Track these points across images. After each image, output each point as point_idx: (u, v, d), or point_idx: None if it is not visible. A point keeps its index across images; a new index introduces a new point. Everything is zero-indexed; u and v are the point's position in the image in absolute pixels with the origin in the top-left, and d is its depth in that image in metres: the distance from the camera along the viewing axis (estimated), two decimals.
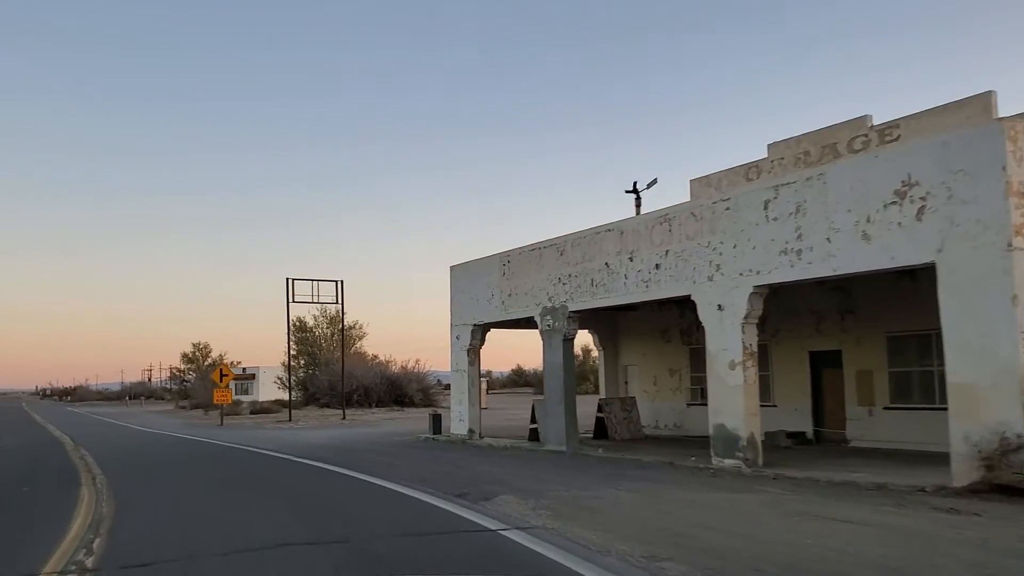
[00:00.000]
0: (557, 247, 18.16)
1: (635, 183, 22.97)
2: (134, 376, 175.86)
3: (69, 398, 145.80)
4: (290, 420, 38.97)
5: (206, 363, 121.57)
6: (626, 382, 23.69)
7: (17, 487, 13.34)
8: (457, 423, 21.75)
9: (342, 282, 41.23)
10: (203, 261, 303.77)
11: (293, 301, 39.78)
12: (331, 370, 56.21)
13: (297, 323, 63.68)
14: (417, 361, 56.43)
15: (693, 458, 15.28)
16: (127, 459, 18.44)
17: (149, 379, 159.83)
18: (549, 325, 18.24)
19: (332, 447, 21.09)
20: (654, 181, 22.74)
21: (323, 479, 13.77)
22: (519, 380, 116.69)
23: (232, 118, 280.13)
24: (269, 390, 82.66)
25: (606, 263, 16.67)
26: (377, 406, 52.80)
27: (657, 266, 15.47)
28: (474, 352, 21.51)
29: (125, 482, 13.54)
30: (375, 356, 61.16)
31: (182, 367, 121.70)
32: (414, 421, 36.51)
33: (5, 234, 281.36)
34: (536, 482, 12.52)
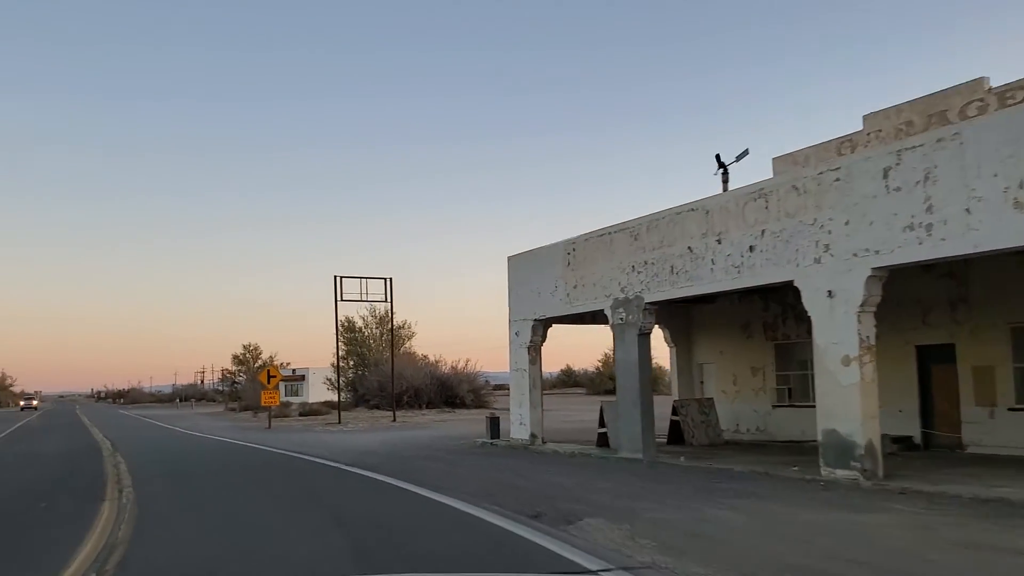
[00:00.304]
0: (630, 231, 16.29)
1: (718, 156, 20.84)
2: (187, 378, 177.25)
3: (122, 400, 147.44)
4: (339, 422, 37.61)
5: (256, 364, 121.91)
6: (701, 382, 21.71)
7: (37, 501, 11.94)
8: (517, 427, 19.98)
9: (391, 279, 39.83)
10: (256, 261, 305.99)
11: (342, 299, 38.49)
12: (380, 371, 54.91)
13: (346, 323, 62.70)
14: (467, 361, 54.92)
15: (796, 468, 13.32)
16: (162, 467, 17.02)
17: (201, 381, 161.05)
18: (622, 319, 16.37)
19: (384, 453, 19.50)
20: (745, 152, 20.54)
21: (377, 494, 12.09)
22: (568, 380, 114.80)
23: (282, 118, 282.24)
24: (319, 391, 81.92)
25: (689, 247, 14.77)
26: (427, 407, 51.35)
27: (751, 248, 13.53)
28: (535, 350, 19.72)
29: (154, 496, 12.04)
30: (424, 356, 59.80)
31: (232, 369, 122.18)
32: (467, 423, 34.91)
33: (64, 240, 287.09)
34: (620, 498, 10.70)
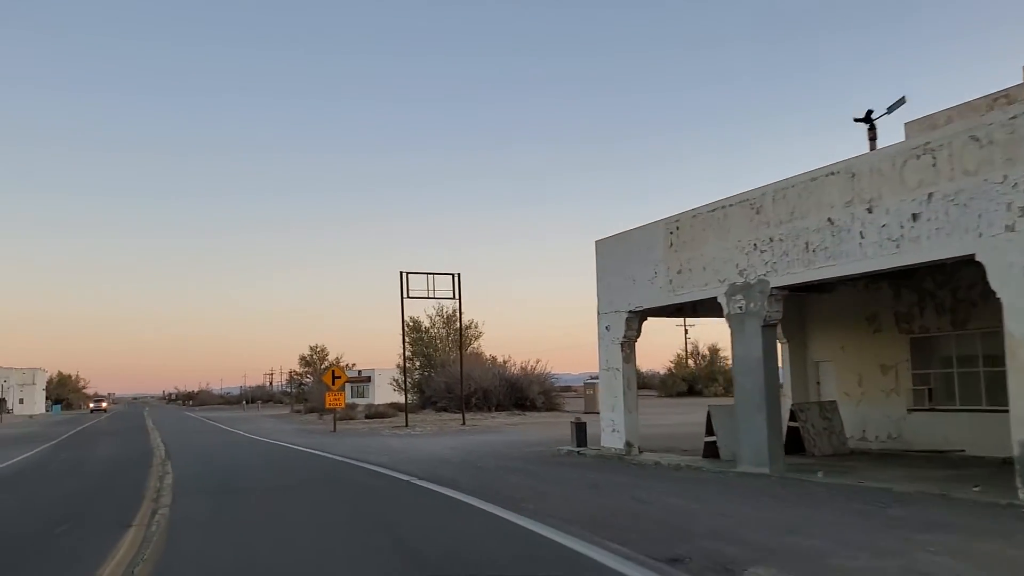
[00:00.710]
0: (751, 203, 13.74)
1: (869, 112, 17.94)
2: (256, 380, 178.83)
3: (191, 402, 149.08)
4: (406, 426, 35.68)
5: (322, 366, 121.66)
6: (818, 383, 18.99)
7: (56, 524, 9.99)
8: (609, 434, 17.54)
9: (459, 275, 37.75)
10: (325, 261, 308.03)
11: (407, 296, 36.57)
12: (447, 372, 52.98)
13: (411, 323, 60.91)
14: (537, 362, 52.56)
15: (976, 488, 10.67)
16: (211, 481, 15.03)
17: (270, 383, 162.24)
18: (740, 307, 13.84)
19: (458, 462, 17.30)
20: (901, 100, 17.51)
21: (459, 519, 9.78)
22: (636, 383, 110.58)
23: (350, 118, 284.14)
24: (385, 393, 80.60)
25: (829, 219, 12.17)
26: (496, 410, 49.20)
27: (914, 217, 10.88)
28: (629, 346, 17.26)
29: (191, 521, 9.97)
30: (492, 357, 57.69)
31: (299, 370, 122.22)
32: (541, 427, 32.62)
33: (140, 245, 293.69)
34: (778, 533, 8.22)
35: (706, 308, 16.61)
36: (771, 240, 13.22)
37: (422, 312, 61.06)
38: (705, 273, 14.73)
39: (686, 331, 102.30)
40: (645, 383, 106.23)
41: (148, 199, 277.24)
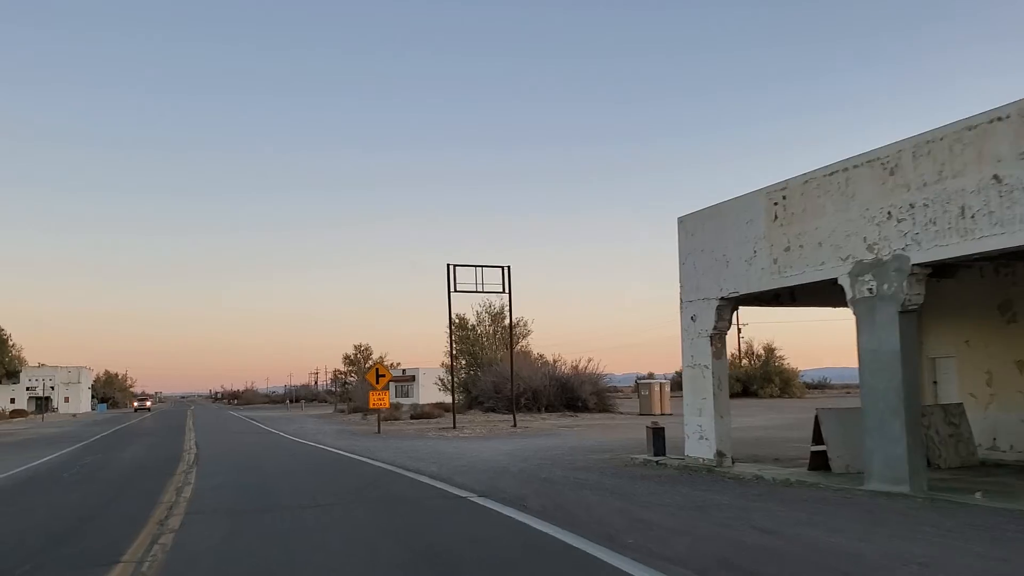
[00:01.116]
0: (882, 163, 11.24)
1: None
2: (301, 379, 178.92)
3: (236, 401, 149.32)
4: (454, 427, 33.55)
5: (366, 365, 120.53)
6: (934, 382, 16.37)
7: (24, 561, 7.88)
8: (695, 442, 15.10)
9: (508, 268, 35.52)
10: (369, 259, 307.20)
11: (455, 290, 34.45)
12: (494, 371, 50.86)
13: (457, 321, 58.87)
14: (589, 361, 50.09)
15: None
16: (237, 494, 12.94)
17: (315, 382, 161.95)
18: (870, 290, 11.34)
19: (519, 472, 15.04)
20: None
21: (540, 561, 7.47)
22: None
23: (398, 116, 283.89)
24: (429, 393, 78.82)
25: (995, 176, 9.67)
26: (546, 411, 46.93)
27: None
28: (720, 339, 14.81)
29: (197, 554, 7.81)
30: (540, 355, 55.40)
31: (343, 369, 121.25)
32: (598, 430, 30.30)
33: (188, 246, 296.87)
34: None
35: (811, 294, 14.16)
36: (911, 206, 10.72)
37: (468, 309, 59.08)
38: (821, 250, 12.25)
39: (739, 329, 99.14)
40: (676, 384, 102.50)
41: (200, 199, 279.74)
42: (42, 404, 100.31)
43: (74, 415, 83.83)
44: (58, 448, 28.25)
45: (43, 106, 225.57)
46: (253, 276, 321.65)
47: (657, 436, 16.51)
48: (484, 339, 58.07)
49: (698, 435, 14.98)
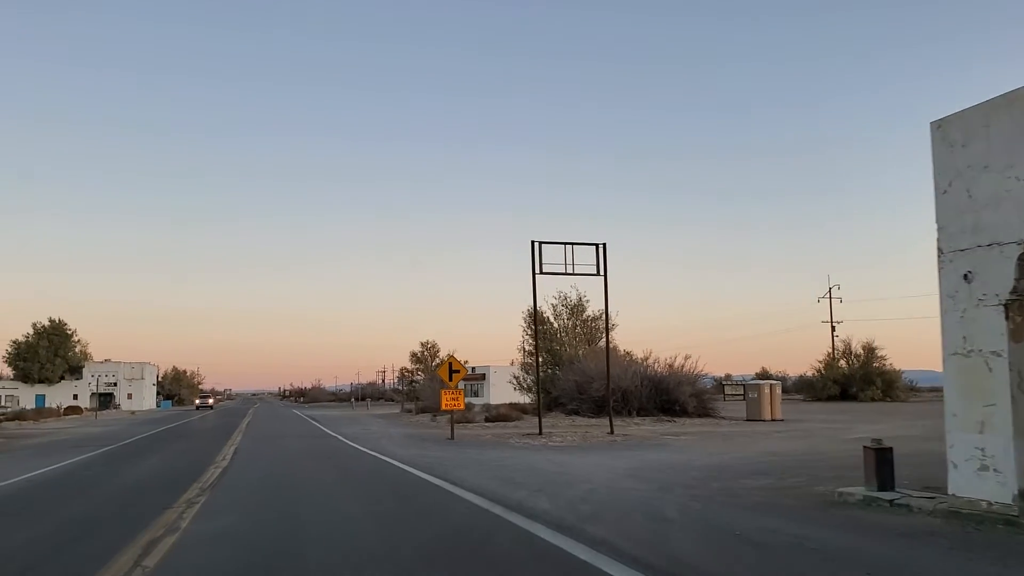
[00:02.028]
0: None
1: None
2: (369, 377, 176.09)
3: (302, 399, 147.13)
4: (540, 433, 28.32)
5: (433, 363, 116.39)
6: None
7: None
8: (974, 475, 9.44)
9: (604, 246, 30.07)
10: (440, 254, 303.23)
11: (540, 272, 29.19)
12: (577, 369, 45.48)
13: (532, 315, 53.68)
14: (687, 358, 44.30)
15: None
16: (240, 556, 7.83)
17: (382, 380, 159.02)
18: None
19: (678, 516, 9.67)
20: None
21: None
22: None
23: (456, 110, 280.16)
24: (501, 392, 73.93)
25: None
26: (638, 414, 41.41)
27: None
28: (1021, 308, 9.21)
29: None
30: (627, 352, 49.77)
31: (410, 367, 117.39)
32: (716, 441, 24.83)
33: (260, 244, 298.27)
34: None
35: None
36: None
37: (543, 302, 53.65)
38: None
39: (833, 328, 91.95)
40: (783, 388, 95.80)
41: (269, 198, 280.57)
42: (104, 401, 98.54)
43: (133, 412, 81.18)
44: (78, 453, 23.94)
45: (134, 98, 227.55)
46: (326, 273, 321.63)
47: (883, 461, 10.90)
48: (562, 334, 52.69)
49: (977, 463, 9.35)
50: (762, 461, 17.55)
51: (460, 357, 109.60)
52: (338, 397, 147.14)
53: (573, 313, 52.25)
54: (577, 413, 43.11)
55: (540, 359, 54.06)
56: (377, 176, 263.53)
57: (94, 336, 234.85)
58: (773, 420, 38.21)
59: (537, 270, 29.20)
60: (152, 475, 16.37)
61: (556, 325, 52.82)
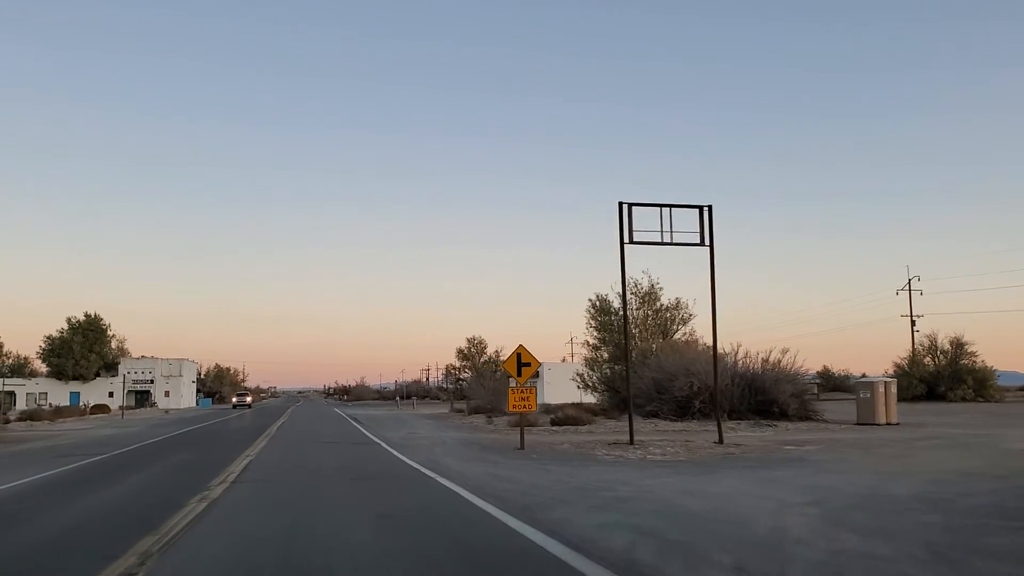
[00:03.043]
0: None
1: None
2: (413, 375, 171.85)
3: (345, 397, 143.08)
4: (632, 443, 22.63)
5: (481, 359, 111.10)
6: None
7: None
8: None
9: (709, 208, 24.18)
10: (484, 246, 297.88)
11: (630, 240, 23.43)
12: (655, 365, 39.58)
13: (598, 303, 47.93)
14: (784, 353, 37.95)
15: None
16: None
17: (426, 378, 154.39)
18: None
19: None
20: None
21: None
22: (828, 385, 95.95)
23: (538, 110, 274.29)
24: (557, 391, 68.33)
25: None
26: (729, 417, 35.42)
27: None
28: None
29: None
30: (706, 346, 43.54)
31: (457, 364, 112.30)
32: (859, 453, 19.28)
33: (305, 244, 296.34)
34: None
35: None
36: None
37: (610, 290, 47.78)
38: None
39: (913, 323, 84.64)
40: (836, 385, 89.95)
41: (310, 199, 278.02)
42: (141, 399, 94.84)
43: (167, 411, 76.93)
44: (55, 465, 18.94)
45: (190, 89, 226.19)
46: (371, 270, 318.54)
47: None
48: (634, 326, 46.67)
49: None
50: (975, 489, 11.79)
51: (508, 354, 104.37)
52: (382, 395, 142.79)
53: (644, 302, 46.28)
54: (656, 415, 37.28)
55: (605, 355, 48.33)
56: (424, 171, 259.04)
57: (139, 335, 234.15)
58: (889, 424, 32.33)
59: (626, 238, 23.44)
60: (100, 513, 10.96)
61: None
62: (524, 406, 22.11)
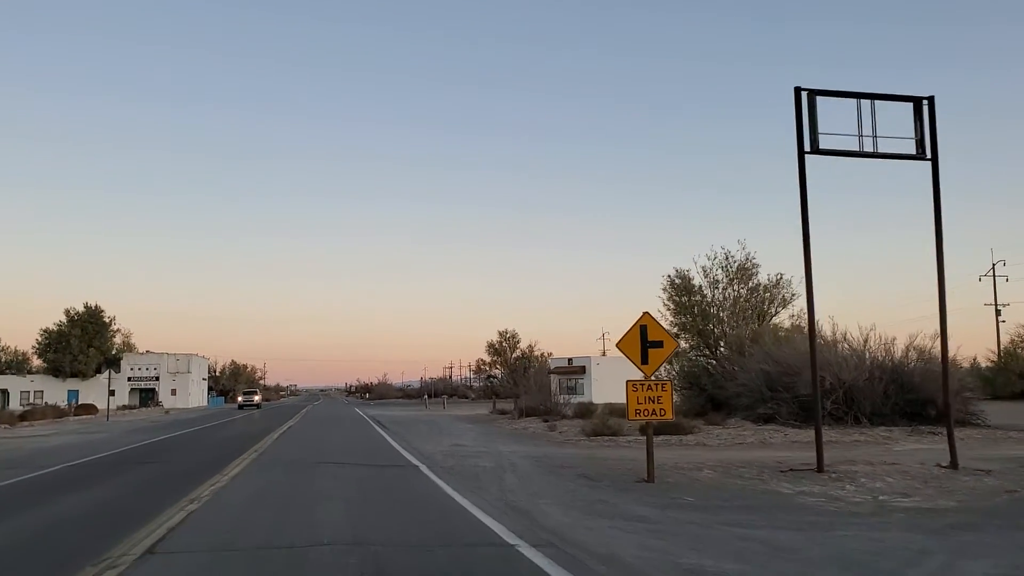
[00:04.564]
0: None
1: None
2: (435, 373, 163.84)
3: (368, 395, 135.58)
4: (820, 470, 14.06)
5: (513, 355, 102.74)
6: None
7: None
8: None
9: (931, 101, 15.51)
10: (506, 237, 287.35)
11: (813, 148, 14.80)
12: (765, 356, 30.84)
13: (678, 279, 39.11)
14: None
15: None
16: None
17: (448, 376, 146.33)
18: None
19: None
20: None
21: None
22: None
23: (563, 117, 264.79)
24: (606, 388, 59.95)
25: None
26: (870, 421, 26.78)
27: None
28: None
29: None
30: (836, 334, 34.65)
31: (487, 359, 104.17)
32: None
33: (327, 242, 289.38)
34: None
35: None
36: None
37: (692, 264, 38.92)
38: None
39: (998, 312, 75.24)
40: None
41: (335, 198, 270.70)
42: (145, 397, 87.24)
43: (167, 411, 69.04)
44: None
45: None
46: (394, 268, 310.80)
47: None
48: (715, 307, 37.89)
49: None
50: None
51: (544, 349, 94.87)
52: (406, 393, 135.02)
53: (738, 278, 37.47)
54: (771, 420, 28.62)
55: (686, 344, 39.60)
56: (439, 167, 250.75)
57: (156, 333, 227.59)
58: None
59: (807, 144, 14.84)
60: None
61: (709, 296, 38.14)
62: (654, 412, 13.62)
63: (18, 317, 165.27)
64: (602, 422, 25.43)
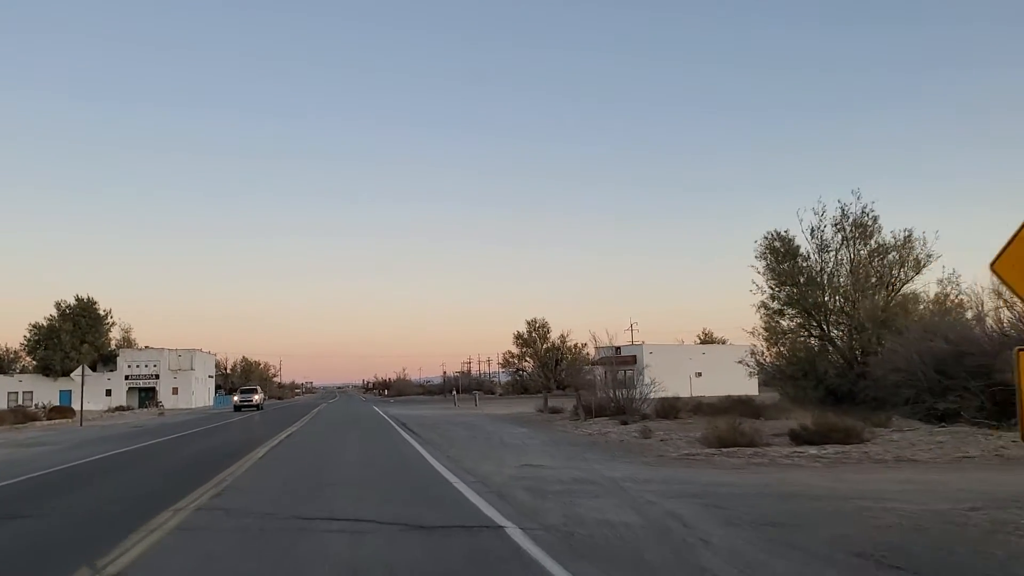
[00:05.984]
0: None
1: None
2: (453, 368, 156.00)
3: (387, 392, 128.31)
4: None
5: (544, 346, 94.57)
6: None
7: None
8: None
9: None
10: (527, 230, 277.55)
11: None
12: (921, 332, 22.76)
13: (776, 243, 30.99)
14: None
15: None
16: None
17: (467, 371, 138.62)
18: None
19: None
20: None
21: None
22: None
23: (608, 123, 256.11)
24: (662, 381, 51.77)
25: None
26: None
27: None
28: None
29: None
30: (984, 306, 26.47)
31: (515, 351, 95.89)
32: None
33: (343, 241, 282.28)
34: None
35: None
36: None
37: (789, 221, 30.88)
38: None
39: None
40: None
41: (349, 199, 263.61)
42: (144, 397, 79.80)
43: (161, 412, 61.35)
44: None
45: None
46: (410, 265, 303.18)
47: None
48: (836, 276, 29.75)
49: None
50: None
51: (578, 340, 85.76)
52: (427, 390, 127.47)
53: (856, 237, 29.33)
54: (948, 418, 20.58)
55: (785, 323, 31.65)
56: (456, 163, 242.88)
57: (169, 331, 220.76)
58: None
59: None
60: None
61: (820, 260, 30.11)
62: None
63: (16, 318, 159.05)
64: (732, 427, 17.52)
